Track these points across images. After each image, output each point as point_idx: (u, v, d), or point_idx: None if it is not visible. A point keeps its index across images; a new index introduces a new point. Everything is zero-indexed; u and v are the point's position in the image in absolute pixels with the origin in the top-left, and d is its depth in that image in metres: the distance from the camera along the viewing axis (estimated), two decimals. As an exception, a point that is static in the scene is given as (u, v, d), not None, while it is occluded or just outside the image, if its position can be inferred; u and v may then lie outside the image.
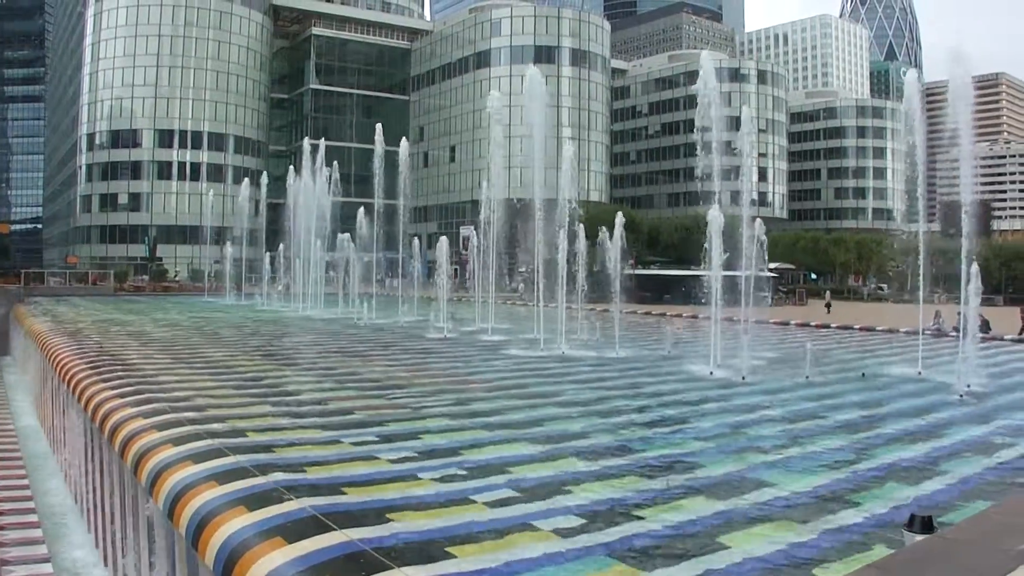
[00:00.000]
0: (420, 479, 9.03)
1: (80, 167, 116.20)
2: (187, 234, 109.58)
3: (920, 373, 21.10)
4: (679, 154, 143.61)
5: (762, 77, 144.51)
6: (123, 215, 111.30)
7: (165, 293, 79.44)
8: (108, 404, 13.20)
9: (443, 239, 36.48)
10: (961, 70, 21.35)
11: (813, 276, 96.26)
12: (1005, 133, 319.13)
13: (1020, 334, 35.81)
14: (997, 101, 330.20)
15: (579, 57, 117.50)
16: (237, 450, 9.82)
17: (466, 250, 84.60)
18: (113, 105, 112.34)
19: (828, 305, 60.79)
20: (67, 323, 33.21)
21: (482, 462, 9.92)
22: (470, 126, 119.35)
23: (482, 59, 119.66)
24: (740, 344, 21.30)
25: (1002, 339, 33.41)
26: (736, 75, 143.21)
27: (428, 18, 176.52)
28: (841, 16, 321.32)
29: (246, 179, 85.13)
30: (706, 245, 21.66)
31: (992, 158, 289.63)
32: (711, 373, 20.10)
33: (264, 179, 79.67)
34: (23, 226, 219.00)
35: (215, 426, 11.45)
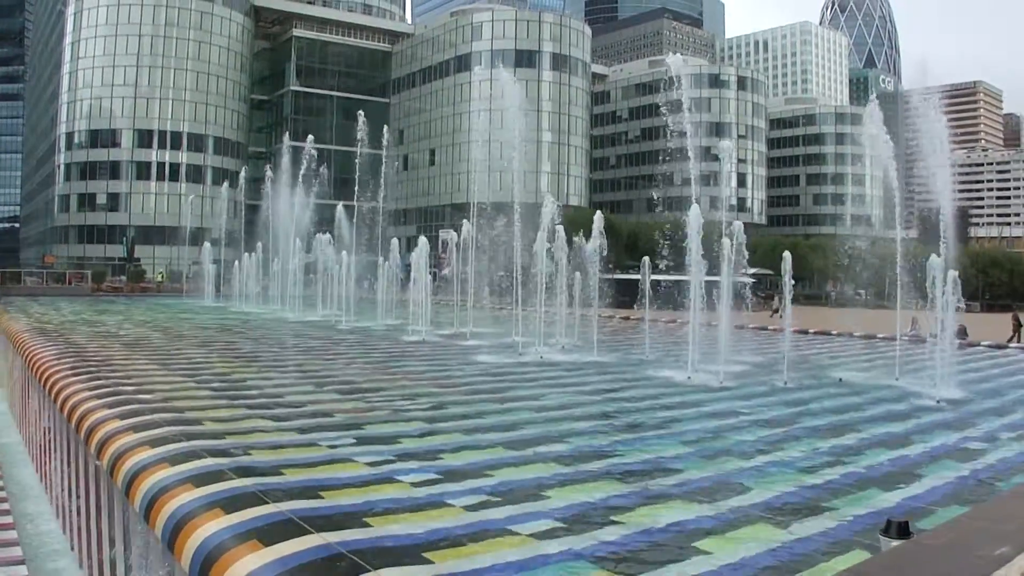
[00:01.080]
0: (398, 482, 8.99)
1: (58, 166, 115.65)
2: (165, 235, 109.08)
3: (897, 379, 21.22)
4: (658, 159, 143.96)
5: (742, 83, 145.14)
6: (101, 215, 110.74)
7: (143, 294, 79.04)
8: (84, 405, 13.10)
9: (422, 241, 36.36)
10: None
11: (792, 282, 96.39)
12: (983, 141, 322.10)
13: (1010, 340, 36.01)
14: (974, 109, 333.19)
15: (560, 62, 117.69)
16: (214, 452, 9.75)
17: (445, 253, 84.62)
18: (92, 104, 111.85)
19: (776, 311, 60.26)
20: (43, 323, 32.96)
21: (460, 466, 9.89)
22: (450, 129, 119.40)
23: (463, 63, 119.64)
24: (718, 349, 21.36)
25: (979, 345, 33.64)
26: (716, 81, 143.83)
27: (409, 21, 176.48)
28: (821, 23, 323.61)
29: (226, 182, 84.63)
30: (686, 246, 21.68)
31: (969, 166, 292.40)
32: (688, 378, 20.14)
33: (242, 180, 79.25)
34: (0, 225, 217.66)
35: (191, 428, 11.37)
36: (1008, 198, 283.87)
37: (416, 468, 9.64)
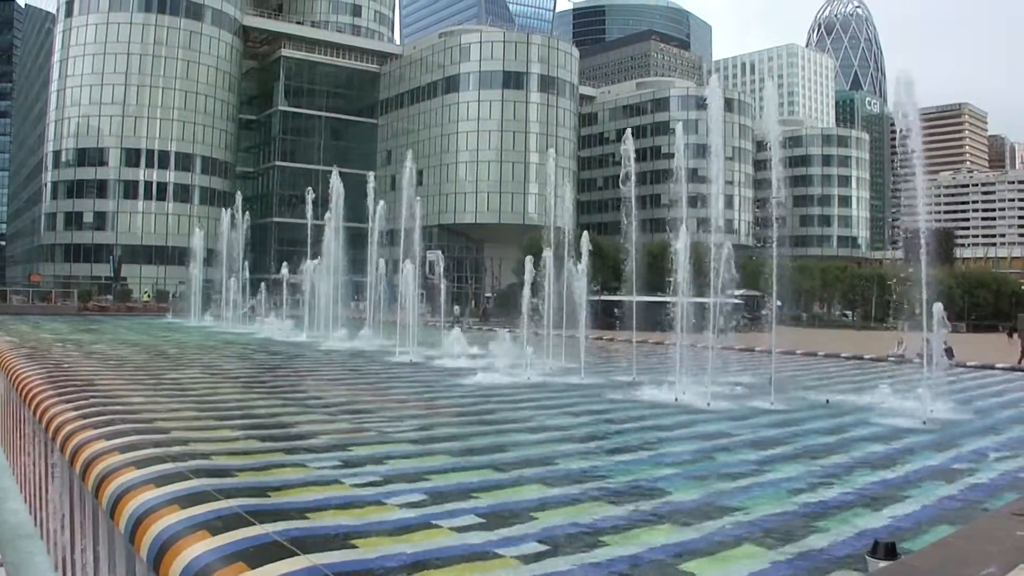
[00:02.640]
0: (385, 504, 8.97)
1: (45, 184, 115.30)
2: (152, 254, 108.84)
3: (884, 400, 21.26)
4: (646, 180, 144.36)
5: (729, 105, 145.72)
6: (88, 234, 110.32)
7: (129, 313, 78.80)
8: (69, 425, 13.03)
9: (408, 264, 36.41)
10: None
11: (779, 303, 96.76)
12: (968, 162, 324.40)
13: (1020, 362, 35.85)
14: (959, 130, 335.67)
15: (547, 83, 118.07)
16: (200, 473, 9.71)
17: (432, 274, 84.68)
18: (80, 123, 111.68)
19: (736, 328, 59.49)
20: (29, 342, 32.81)
21: (447, 488, 9.87)
22: (438, 150, 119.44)
23: (451, 84, 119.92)
24: (705, 370, 21.37)
25: (965, 365, 33.75)
26: (703, 103, 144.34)
27: (398, 42, 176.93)
28: (807, 46, 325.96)
29: (215, 201, 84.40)
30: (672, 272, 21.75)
31: (955, 187, 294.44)
32: (676, 399, 20.16)
33: (236, 200, 79.10)
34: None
35: (178, 449, 11.33)
36: (993, 219, 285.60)
37: (404, 490, 9.62)
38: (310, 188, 61.52)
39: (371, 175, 49.96)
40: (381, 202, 45.14)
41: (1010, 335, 65.49)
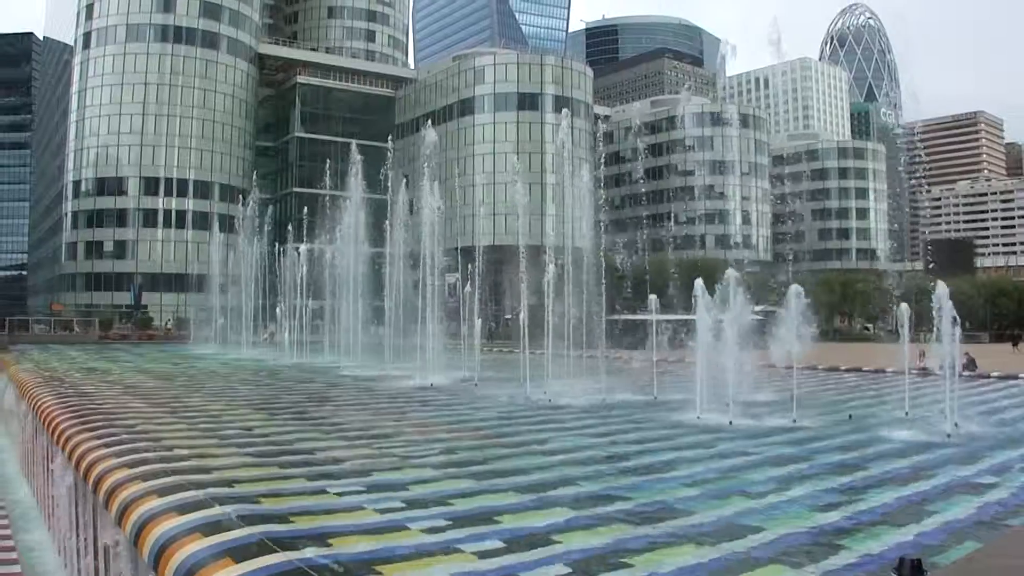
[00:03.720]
0: (408, 529, 8.96)
1: (66, 214, 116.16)
2: (172, 282, 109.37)
3: (907, 413, 21.13)
4: (662, 199, 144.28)
5: (744, 121, 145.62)
6: (108, 262, 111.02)
7: (150, 341, 79.17)
8: (92, 454, 13.08)
9: (428, 288, 36.49)
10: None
11: (799, 318, 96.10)
12: (985, 171, 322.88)
13: None
14: (976, 139, 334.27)
15: (562, 104, 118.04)
16: (222, 500, 9.73)
17: (452, 297, 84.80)
18: (99, 152, 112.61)
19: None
20: (50, 370, 32.97)
21: (470, 512, 9.86)
22: (455, 174, 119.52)
23: (466, 107, 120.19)
24: (726, 388, 21.27)
25: (989, 376, 33.49)
26: (718, 119, 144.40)
27: (412, 66, 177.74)
28: (820, 59, 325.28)
29: (232, 229, 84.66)
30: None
31: (973, 196, 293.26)
32: (698, 418, 20.08)
33: (242, 224, 79.39)
34: (7, 273, 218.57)
35: (199, 476, 11.35)
36: (1013, 227, 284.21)
37: (427, 515, 9.60)
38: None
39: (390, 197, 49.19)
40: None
41: (1015, 344, 64.94)
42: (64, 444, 15.05)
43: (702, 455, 14.91)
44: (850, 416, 21.08)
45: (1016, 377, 34.32)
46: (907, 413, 21.19)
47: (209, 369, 39.78)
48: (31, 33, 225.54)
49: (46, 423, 18.15)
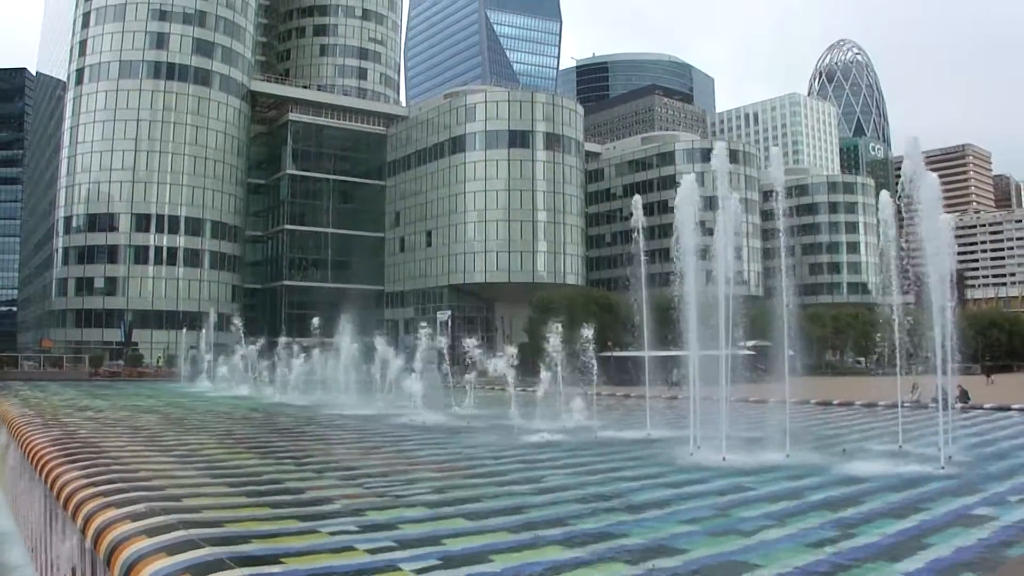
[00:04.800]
0: (400, 570, 8.87)
1: (56, 250, 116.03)
2: (163, 319, 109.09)
3: (900, 447, 21.08)
4: (654, 235, 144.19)
5: (734, 157, 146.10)
6: (99, 299, 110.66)
7: (140, 378, 78.82)
8: (80, 493, 12.96)
9: (423, 329, 36.55)
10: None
11: (791, 352, 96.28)
12: (974, 203, 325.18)
13: None
14: (964, 172, 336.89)
15: (553, 141, 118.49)
16: (213, 541, 9.62)
17: (444, 335, 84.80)
18: (91, 188, 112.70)
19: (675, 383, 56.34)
20: (37, 407, 32.78)
21: (463, 551, 9.77)
22: (446, 211, 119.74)
23: (457, 144, 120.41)
24: (720, 423, 21.21)
25: (981, 408, 33.48)
26: (708, 155, 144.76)
27: (404, 104, 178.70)
28: (809, 94, 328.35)
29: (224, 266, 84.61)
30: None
31: (963, 228, 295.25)
32: (691, 454, 20.00)
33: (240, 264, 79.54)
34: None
35: (189, 516, 11.25)
36: (1002, 258, 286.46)
37: (419, 555, 9.51)
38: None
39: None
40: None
41: (988, 375, 65.10)
42: (52, 483, 14.92)
43: (696, 492, 14.82)
44: (844, 450, 21.02)
45: (1009, 408, 34.30)
46: (900, 446, 21.15)
47: (199, 408, 39.58)
48: (24, 68, 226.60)
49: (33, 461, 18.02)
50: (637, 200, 30.42)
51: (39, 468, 17.12)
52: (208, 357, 69.45)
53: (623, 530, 11.07)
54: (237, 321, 70.90)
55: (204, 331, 73.07)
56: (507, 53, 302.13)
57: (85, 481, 14.02)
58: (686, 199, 23.79)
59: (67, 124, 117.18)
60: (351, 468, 17.88)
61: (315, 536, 10.52)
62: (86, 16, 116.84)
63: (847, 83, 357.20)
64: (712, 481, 15.97)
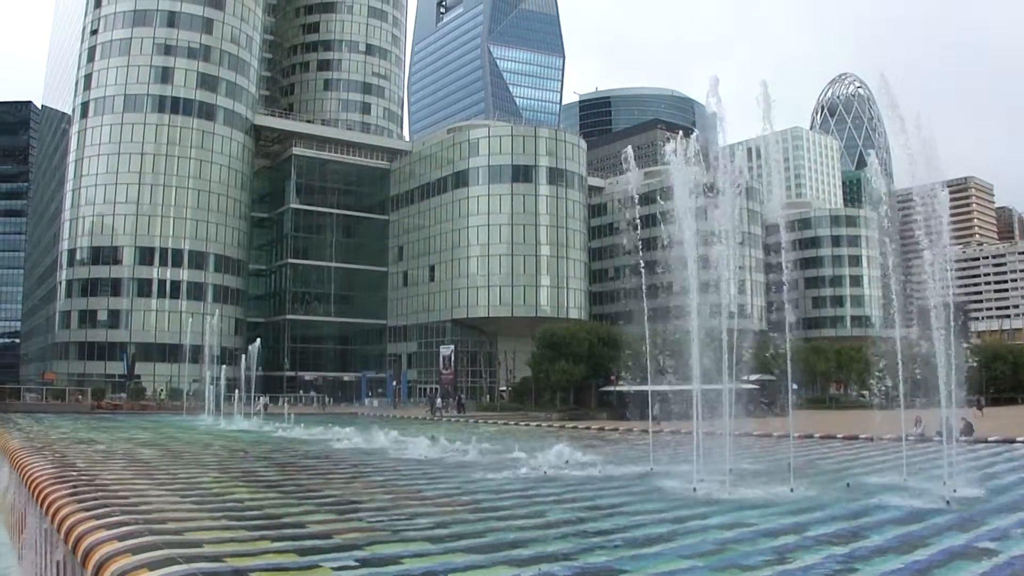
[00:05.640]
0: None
1: (60, 283, 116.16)
2: (166, 352, 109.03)
3: (905, 480, 20.98)
4: (657, 269, 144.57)
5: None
6: (102, 332, 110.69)
7: (143, 411, 78.68)
8: (81, 526, 12.91)
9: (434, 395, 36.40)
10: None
11: (795, 386, 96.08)
12: (977, 235, 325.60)
13: None
14: (967, 204, 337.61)
15: (556, 175, 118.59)
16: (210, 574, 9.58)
17: (447, 369, 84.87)
18: (95, 221, 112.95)
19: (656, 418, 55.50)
20: (40, 440, 32.70)
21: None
22: (449, 245, 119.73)
23: (460, 178, 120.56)
24: (723, 458, 21.13)
25: (986, 440, 33.33)
26: (711, 189, 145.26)
27: (407, 138, 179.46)
28: (811, 128, 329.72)
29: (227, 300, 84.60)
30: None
31: (966, 260, 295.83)
32: (694, 489, 19.90)
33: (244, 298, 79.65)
34: (1, 341, 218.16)
35: (190, 551, 11.19)
36: (1006, 290, 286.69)
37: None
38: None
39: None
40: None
41: (979, 407, 64.90)
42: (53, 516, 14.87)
43: (699, 526, 14.74)
44: (848, 485, 20.91)
45: (1014, 441, 34.15)
46: (905, 480, 21.04)
47: (201, 441, 39.47)
48: (30, 102, 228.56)
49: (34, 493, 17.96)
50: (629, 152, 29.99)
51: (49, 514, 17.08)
52: (211, 390, 69.36)
53: (627, 565, 11.01)
54: (241, 354, 70.92)
55: (207, 364, 72.97)
56: (510, 88, 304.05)
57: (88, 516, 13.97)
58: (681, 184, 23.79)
59: (72, 157, 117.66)
60: (352, 502, 17.80)
61: (316, 571, 10.48)
62: (92, 50, 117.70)
63: (849, 117, 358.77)
64: (715, 516, 15.88)
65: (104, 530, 12.55)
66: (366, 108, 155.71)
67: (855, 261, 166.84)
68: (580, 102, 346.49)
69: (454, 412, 75.18)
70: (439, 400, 79.06)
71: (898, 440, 25.52)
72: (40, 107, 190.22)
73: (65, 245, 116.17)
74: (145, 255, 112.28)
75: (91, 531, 12.62)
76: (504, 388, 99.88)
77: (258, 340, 70.19)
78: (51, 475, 20.25)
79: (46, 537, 15.67)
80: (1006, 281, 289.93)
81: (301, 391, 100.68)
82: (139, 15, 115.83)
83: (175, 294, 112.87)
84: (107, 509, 14.68)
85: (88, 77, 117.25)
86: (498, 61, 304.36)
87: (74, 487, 17.97)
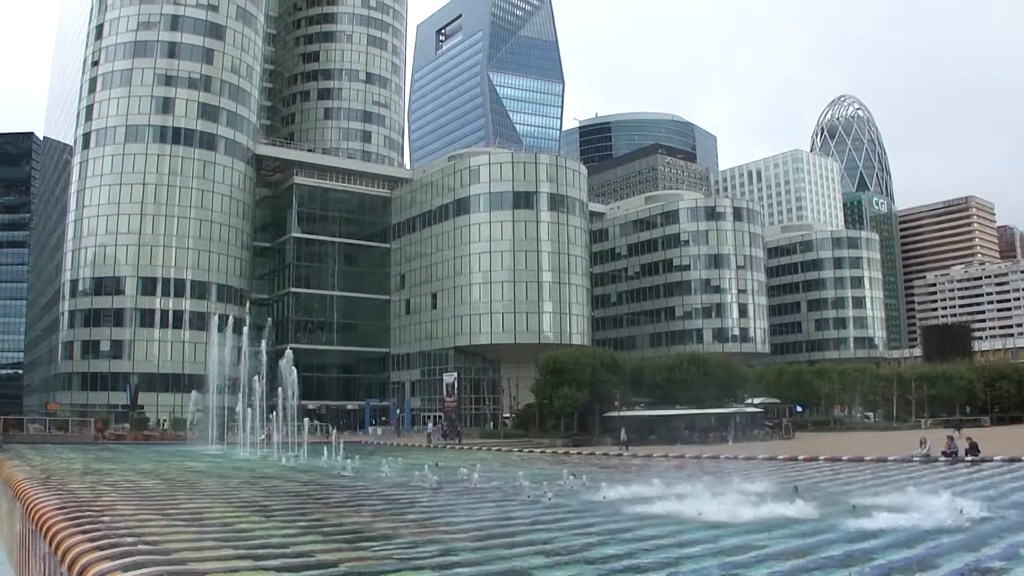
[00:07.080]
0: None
1: (63, 313, 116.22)
2: (169, 382, 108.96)
3: (911, 501, 20.90)
4: (659, 294, 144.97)
5: (738, 214, 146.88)
6: (105, 362, 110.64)
7: (146, 441, 78.55)
8: (86, 557, 12.86)
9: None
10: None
11: (799, 408, 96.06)
12: (979, 255, 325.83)
13: None
14: (969, 223, 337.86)
15: (557, 202, 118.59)
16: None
17: (450, 396, 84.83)
18: (97, 252, 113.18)
19: (625, 443, 56.24)
20: (44, 471, 32.62)
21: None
22: (451, 273, 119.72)
23: (461, 206, 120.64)
24: (728, 482, 21.07)
25: (992, 460, 33.22)
26: (712, 213, 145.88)
27: (408, 166, 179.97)
28: (811, 151, 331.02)
29: (228, 327, 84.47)
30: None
31: (968, 280, 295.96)
32: (700, 513, 19.83)
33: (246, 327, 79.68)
34: (4, 371, 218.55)
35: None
36: (1009, 309, 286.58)
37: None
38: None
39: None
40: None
41: (958, 428, 64.68)
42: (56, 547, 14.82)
43: (707, 551, 14.68)
44: (854, 507, 20.83)
45: (1019, 460, 33.99)
46: (911, 500, 20.96)
47: (204, 471, 39.38)
48: (31, 133, 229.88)
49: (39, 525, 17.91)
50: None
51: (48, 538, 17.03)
52: (215, 420, 69.28)
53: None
54: (244, 384, 70.81)
55: (210, 394, 72.92)
56: (510, 114, 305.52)
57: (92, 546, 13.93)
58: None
59: (73, 188, 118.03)
60: (358, 531, 17.73)
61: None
62: (93, 81, 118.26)
63: (849, 138, 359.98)
64: (721, 540, 15.82)
65: (109, 560, 12.48)
66: (367, 136, 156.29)
67: (857, 283, 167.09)
68: (580, 128, 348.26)
69: (440, 439, 75.20)
70: (430, 426, 79.78)
71: (904, 461, 25.52)
72: (42, 138, 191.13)
73: (67, 276, 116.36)
74: (147, 285, 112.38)
75: (94, 561, 12.57)
76: (508, 415, 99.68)
77: (263, 368, 69.98)
78: (52, 503, 20.19)
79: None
80: (1008, 300, 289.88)
81: (305, 420, 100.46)
82: (140, 46, 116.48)
83: (177, 324, 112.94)
84: (112, 540, 14.61)
85: (89, 108, 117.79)
86: (498, 88, 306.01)
87: (75, 516, 17.92)
